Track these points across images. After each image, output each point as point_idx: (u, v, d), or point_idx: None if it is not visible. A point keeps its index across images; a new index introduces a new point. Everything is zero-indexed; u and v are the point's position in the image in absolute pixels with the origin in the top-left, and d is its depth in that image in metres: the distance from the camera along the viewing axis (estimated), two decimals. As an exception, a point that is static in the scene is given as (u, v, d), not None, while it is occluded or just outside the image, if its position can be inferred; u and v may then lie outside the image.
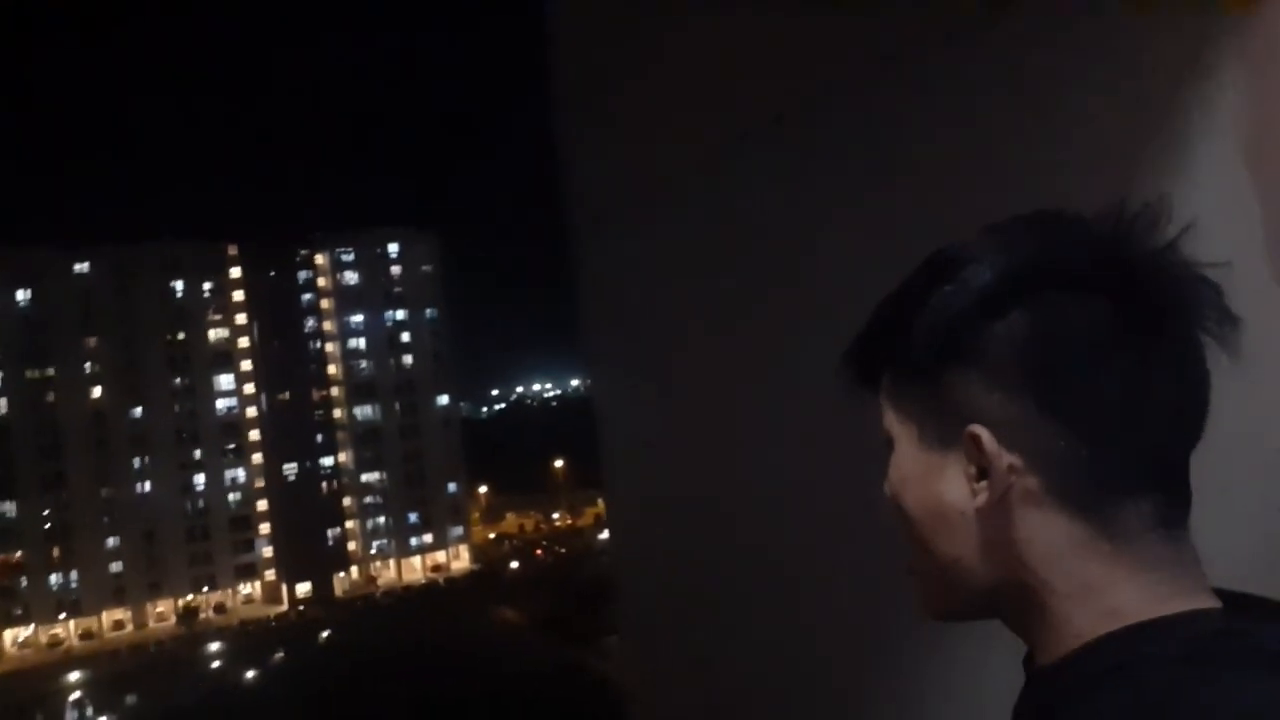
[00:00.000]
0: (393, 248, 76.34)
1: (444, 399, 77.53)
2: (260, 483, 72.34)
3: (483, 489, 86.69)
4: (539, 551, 75.30)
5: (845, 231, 1.86)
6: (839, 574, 1.93)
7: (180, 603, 68.40)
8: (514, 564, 73.28)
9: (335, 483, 73.72)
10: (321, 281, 75.21)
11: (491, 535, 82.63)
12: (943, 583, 0.70)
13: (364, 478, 74.62)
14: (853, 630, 1.90)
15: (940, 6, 1.64)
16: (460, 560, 75.66)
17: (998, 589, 0.67)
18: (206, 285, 71.64)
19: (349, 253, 75.46)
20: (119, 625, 66.99)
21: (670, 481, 2.40)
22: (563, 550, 72.64)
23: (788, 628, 2.07)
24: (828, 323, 2.02)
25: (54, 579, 65.53)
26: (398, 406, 75.43)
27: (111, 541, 67.12)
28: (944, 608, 0.72)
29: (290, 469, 72.15)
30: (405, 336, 76.34)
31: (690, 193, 2.22)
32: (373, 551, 74.05)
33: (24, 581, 64.65)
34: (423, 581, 72.76)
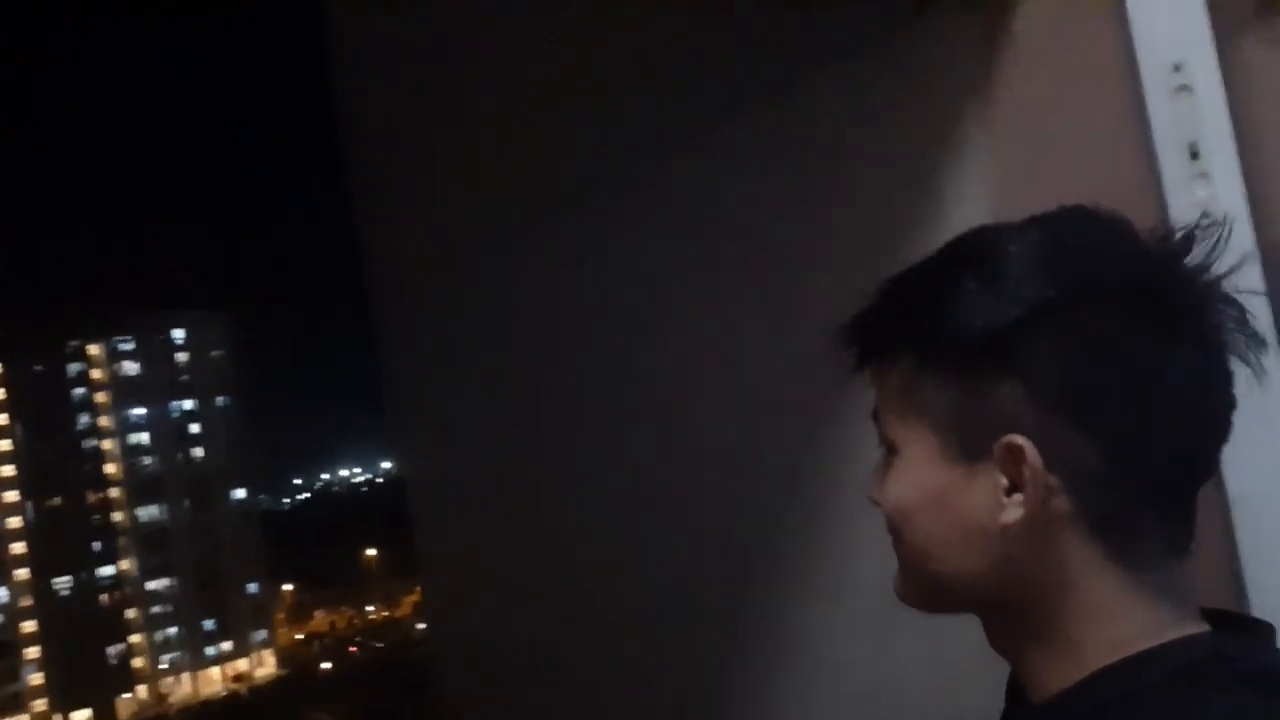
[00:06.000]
0: (177, 333, 71.41)
1: (241, 492, 72.34)
2: (26, 601, 64.53)
3: (288, 586, 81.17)
4: (353, 649, 71.01)
5: (644, 302, 1.91)
6: (660, 644, 1.93)
7: (-74, 750, 59.46)
8: (326, 664, 68.71)
9: (117, 594, 66.80)
10: (96, 374, 69.03)
11: (299, 636, 77.26)
12: (938, 589, 0.67)
13: (150, 585, 68.07)
14: (677, 704, 1.90)
15: (735, 84, 1.75)
16: (265, 666, 70.12)
17: (1001, 605, 0.65)
18: (-43, 384, 64.33)
19: (128, 341, 69.86)
20: None
21: (484, 558, 2.34)
22: (379, 645, 68.92)
23: (609, 699, 2.04)
24: (632, 396, 2.07)
25: None
26: (187, 504, 69.66)
27: None
28: (930, 607, 0.70)
29: (62, 583, 64.77)
30: (195, 428, 71.02)
31: (491, 266, 2.21)
32: (163, 666, 67.36)
33: None
34: (223, 693, 66.84)
